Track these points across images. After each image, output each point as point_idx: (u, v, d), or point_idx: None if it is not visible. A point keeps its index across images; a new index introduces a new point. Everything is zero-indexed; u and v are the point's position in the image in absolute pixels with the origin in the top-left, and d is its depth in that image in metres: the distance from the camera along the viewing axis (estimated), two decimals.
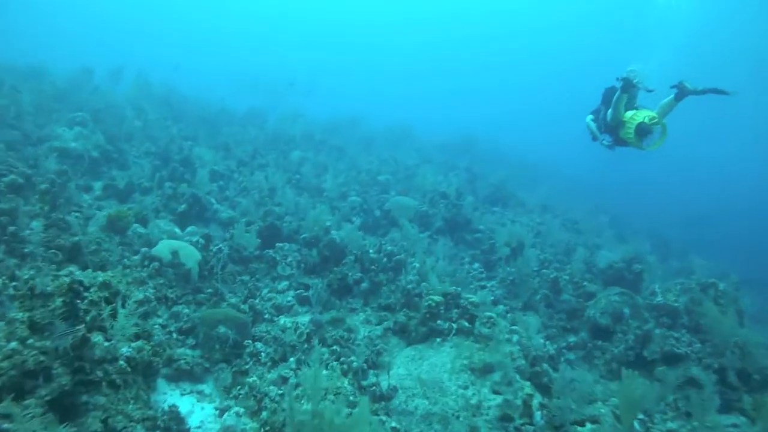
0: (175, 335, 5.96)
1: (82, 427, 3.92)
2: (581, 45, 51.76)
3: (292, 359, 5.23)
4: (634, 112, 6.41)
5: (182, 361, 5.50)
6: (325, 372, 4.61)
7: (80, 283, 5.07)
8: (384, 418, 4.66)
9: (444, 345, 5.64)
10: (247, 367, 5.39)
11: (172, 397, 5.28)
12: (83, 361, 4.26)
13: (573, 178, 23.49)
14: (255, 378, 5.01)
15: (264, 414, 4.33)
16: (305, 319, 6.30)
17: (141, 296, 5.82)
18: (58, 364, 4.03)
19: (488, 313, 5.86)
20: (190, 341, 5.86)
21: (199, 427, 4.73)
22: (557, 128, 37.90)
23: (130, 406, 4.51)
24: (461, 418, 4.70)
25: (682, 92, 6.00)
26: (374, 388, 4.88)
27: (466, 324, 5.89)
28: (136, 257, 6.87)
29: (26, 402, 3.61)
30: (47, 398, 3.76)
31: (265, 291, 7.11)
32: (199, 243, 7.51)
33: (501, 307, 7.56)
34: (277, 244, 8.12)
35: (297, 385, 4.36)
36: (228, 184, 10.84)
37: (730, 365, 6.76)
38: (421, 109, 33.48)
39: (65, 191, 8.31)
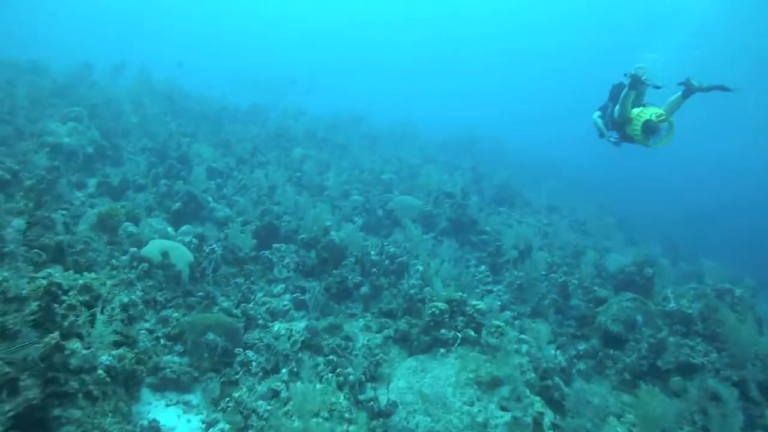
0: (162, 341, 5.64)
1: None
2: (582, 44, 51.63)
3: (284, 370, 4.86)
4: (641, 109, 6.34)
5: (168, 370, 5.19)
6: (319, 385, 4.26)
7: (59, 285, 4.76)
8: None
9: (448, 356, 5.23)
10: (237, 377, 5.05)
11: (156, 408, 4.95)
12: (57, 371, 3.94)
13: (575, 176, 23.38)
14: (243, 391, 4.66)
15: None
16: (301, 325, 5.94)
17: (127, 300, 5.48)
18: (26, 376, 3.70)
19: (496, 322, 5.46)
20: (179, 348, 5.53)
21: None
22: (559, 126, 37.73)
23: (108, 419, 4.18)
24: None
25: (689, 89, 5.94)
26: (372, 403, 4.50)
27: (473, 333, 5.49)
28: (125, 258, 6.55)
29: None
30: (11, 414, 3.44)
31: (260, 294, 6.75)
32: (192, 243, 7.18)
33: (508, 313, 7.18)
34: (274, 245, 7.76)
35: (288, 400, 4.01)
36: (226, 182, 10.50)
37: (752, 378, 6.38)
38: (423, 108, 33.19)
39: (55, 188, 8.02)
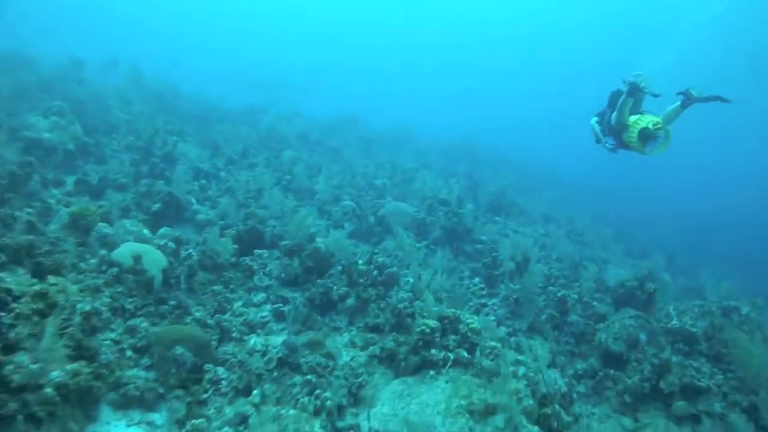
0: (129, 353, 5.17)
1: None
2: (581, 51, 51.83)
3: (255, 392, 4.40)
4: (638, 116, 6.32)
5: (132, 386, 4.72)
6: (292, 411, 3.81)
7: (8, 291, 4.32)
8: None
9: (438, 379, 4.77)
10: (205, 396, 4.59)
11: (116, 428, 4.49)
12: None
13: (572, 184, 23.20)
14: (211, 412, 4.20)
15: None
16: (279, 339, 5.48)
17: (89, 308, 5.01)
18: None
19: (492, 343, 5.01)
20: (145, 361, 5.06)
21: None
22: (556, 134, 37.58)
23: None
24: None
25: (688, 99, 5.90)
26: (352, 431, 4.06)
27: (465, 354, 5.04)
28: (93, 261, 6.08)
29: None
30: None
31: (238, 304, 6.28)
32: (168, 247, 6.71)
33: (503, 329, 6.76)
34: (256, 251, 7.31)
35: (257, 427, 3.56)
36: (211, 183, 10.05)
37: (764, 404, 5.97)
38: (421, 112, 32.92)
39: (27, 184, 7.56)
